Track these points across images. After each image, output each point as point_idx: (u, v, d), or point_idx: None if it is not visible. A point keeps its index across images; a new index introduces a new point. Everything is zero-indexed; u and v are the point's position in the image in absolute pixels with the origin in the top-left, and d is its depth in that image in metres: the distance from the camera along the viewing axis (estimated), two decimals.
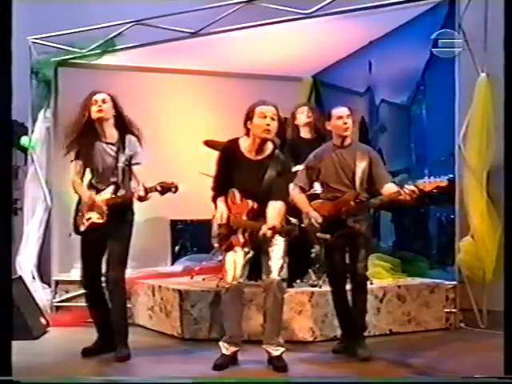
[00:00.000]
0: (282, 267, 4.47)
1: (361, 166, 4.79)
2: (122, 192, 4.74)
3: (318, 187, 5.09)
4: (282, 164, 4.56)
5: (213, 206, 4.69)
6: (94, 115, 4.70)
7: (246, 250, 4.51)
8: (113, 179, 4.75)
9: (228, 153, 4.60)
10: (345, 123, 4.80)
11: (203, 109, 7.07)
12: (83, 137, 4.74)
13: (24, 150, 6.81)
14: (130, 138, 4.78)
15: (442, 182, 4.57)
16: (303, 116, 5.87)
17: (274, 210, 4.48)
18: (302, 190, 4.94)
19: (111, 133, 4.78)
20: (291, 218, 5.64)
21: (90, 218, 4.76)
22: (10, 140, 3.88)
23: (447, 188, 4.83)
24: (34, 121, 6.69)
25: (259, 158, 4.55)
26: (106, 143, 4.76)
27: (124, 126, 4.80)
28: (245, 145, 4.57)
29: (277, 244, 4.50)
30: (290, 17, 5.96)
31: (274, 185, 4.50)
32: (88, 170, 4.84)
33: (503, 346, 3.53)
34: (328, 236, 4.69)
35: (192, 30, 6.21)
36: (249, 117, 4.50)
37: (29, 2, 6.41)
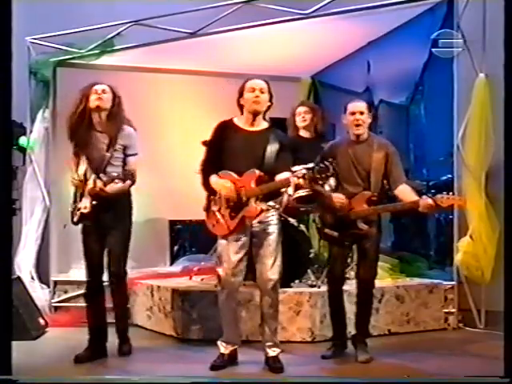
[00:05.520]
0: (276, 264, 4.44)
1: (376, 164, 4.63)
2: (116, 182, 4.62)
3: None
4: (283, 136, 4.55)
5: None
6: (93, 103, 4.71)
7: (241, 238, 4.44)
8: (107, 168, 4.67)
9: (222, 128, 4.55)
10: (356, 120, 4.63)
11: (202, 109, 7.06)
12: (80, 125, 4.73)
13: (22, 150, 6.78)
14: (126, 128, 4.78)
15: (461, 200, 4.63)
16: (299, 118, 5.94)
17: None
18: None
19: (106, 123, 4.75)
20: (290, 218, 5.67)
21: (79, 209, 4.72)
22: (9, 140, 3.87)
23: (463, 206, 4.89)
24: (33, 121, 6.66)
25: (256, 129, 4.52)
26: (100, 132, 4.74)
27: (120, 117, 4.78)
28: (239, 120, 4.55)
29: (271, 236, 4.46)
30: (288, 17, 5.96)
31: (280, 158, 4.41)
32: (84, 159, 4.77)
33: (503, 346, 3.54)
34: (336, 234, 4.68)
35: (191, 31, 6.21)
36: (240, 93, 4.54)
37: (28, 2, 6.39)
